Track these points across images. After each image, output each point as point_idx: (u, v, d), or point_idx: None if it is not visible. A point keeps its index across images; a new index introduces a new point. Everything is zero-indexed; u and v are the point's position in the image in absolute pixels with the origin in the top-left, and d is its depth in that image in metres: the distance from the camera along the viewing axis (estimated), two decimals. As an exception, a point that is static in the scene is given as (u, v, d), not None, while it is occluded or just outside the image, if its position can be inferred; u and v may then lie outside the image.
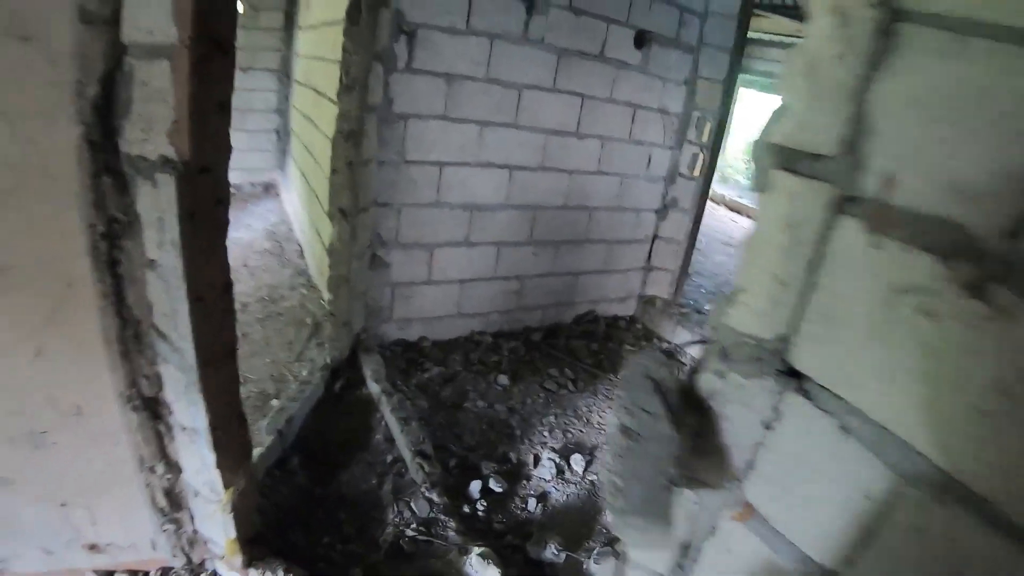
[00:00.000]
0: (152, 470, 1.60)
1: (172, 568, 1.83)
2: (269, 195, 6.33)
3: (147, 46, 1.17)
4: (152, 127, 1.24)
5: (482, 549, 1.94)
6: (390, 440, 2.50)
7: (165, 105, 1.21)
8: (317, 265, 3.90)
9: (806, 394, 0.77)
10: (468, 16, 2.79)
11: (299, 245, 4.73)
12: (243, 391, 2.08)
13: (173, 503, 1.68)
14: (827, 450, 0.75)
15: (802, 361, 0.76)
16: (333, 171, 2.68)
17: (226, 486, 1.51)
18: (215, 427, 1.40)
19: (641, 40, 3.44)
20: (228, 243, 1.47)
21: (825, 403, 0.75)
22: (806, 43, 0.70)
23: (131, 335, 1.41)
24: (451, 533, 2.05)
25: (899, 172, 0.64)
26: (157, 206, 1.27)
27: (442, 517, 2.11)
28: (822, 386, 0.75)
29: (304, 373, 2.88)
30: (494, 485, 2.38)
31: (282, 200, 6.06)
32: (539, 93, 3.17)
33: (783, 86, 0.72)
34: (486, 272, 3.52)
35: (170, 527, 1.73)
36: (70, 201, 1.30)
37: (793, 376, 0.78)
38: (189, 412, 1.43)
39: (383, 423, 2.58)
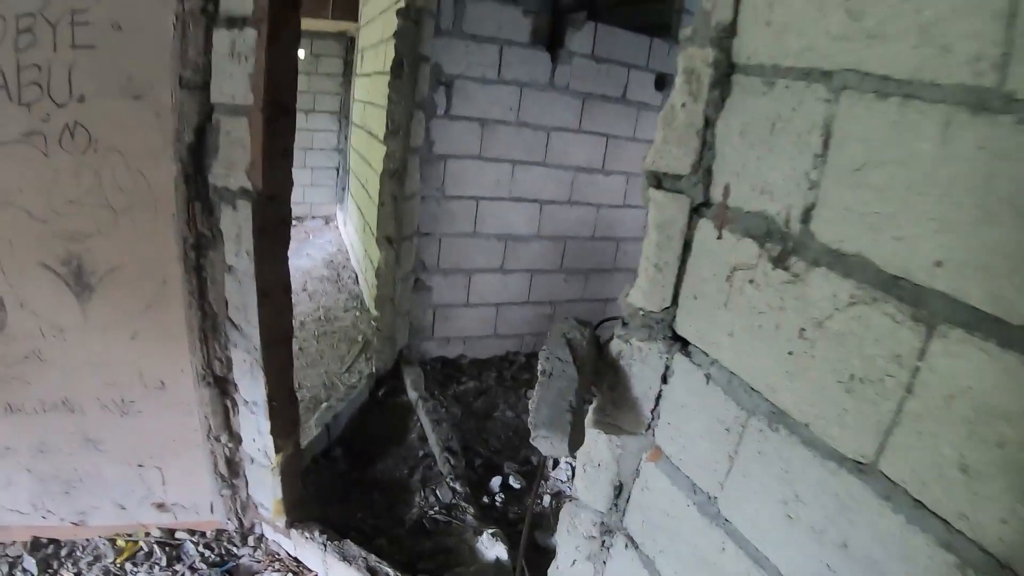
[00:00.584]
0: (217, 439, 1.95)
1: (225, 530, 2.17)
2: (329, 227, 6.85)
3: (230, 106, 1.56)
4: (233, 166, 1.62)
5: (494, 530, 2.19)
6: (423, 439, 2.79)
7: (243, 150, 1.59)
8: (369, 289, 4.30)
9: (687, 353, 1.02)
10: (499, 68, 3.16)
11: (354, 273, 5.16)
12: (297, 396, 2.43)
13: (232, 470, 2.02)
14: (699, 395, 1.00)
15: (682, 328, 1.02)
16: (380, 204, 3.06)
17: (277, 451, 1.84)
18: (271, 398, 1.75)
19: (662, 83, 3.73)
20: (290, 269, 1.85)
21: (697, 359, 1.00)
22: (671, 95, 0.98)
23: (209, 325, 1.78)
24: (469, 517, 2.32)
25: (732, 182, 0.91)
26: (236, 224, 1.65)
27: (463, 504, 2.38)
28: (696, 346, 1.01)
29: (352, 381, 3.23)
30: (513, 482, 2.63)
31: (340, 232, 6.55)
32: (566, 134, 3.50)
33: (657, 128, 1.00)
34: (520, 297, 3.82)
35: (227, 492, 2.07)
36: (168, 219, 1.70)
37: (679, 340, 1.04)
38: (251, 388, 1.78)
39: (418, 424, 2.89)
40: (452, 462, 2.54)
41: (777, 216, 0.85)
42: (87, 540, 2.15)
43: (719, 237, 0.93)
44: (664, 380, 1.07)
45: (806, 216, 0.81)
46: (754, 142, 0.88)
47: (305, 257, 5.45)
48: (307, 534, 2.01)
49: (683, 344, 1.03)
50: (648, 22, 3.68)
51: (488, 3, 3.00)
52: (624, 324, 1.10)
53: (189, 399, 1.90)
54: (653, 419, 1.11)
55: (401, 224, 3.08)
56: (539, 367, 1.04)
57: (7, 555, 2.08)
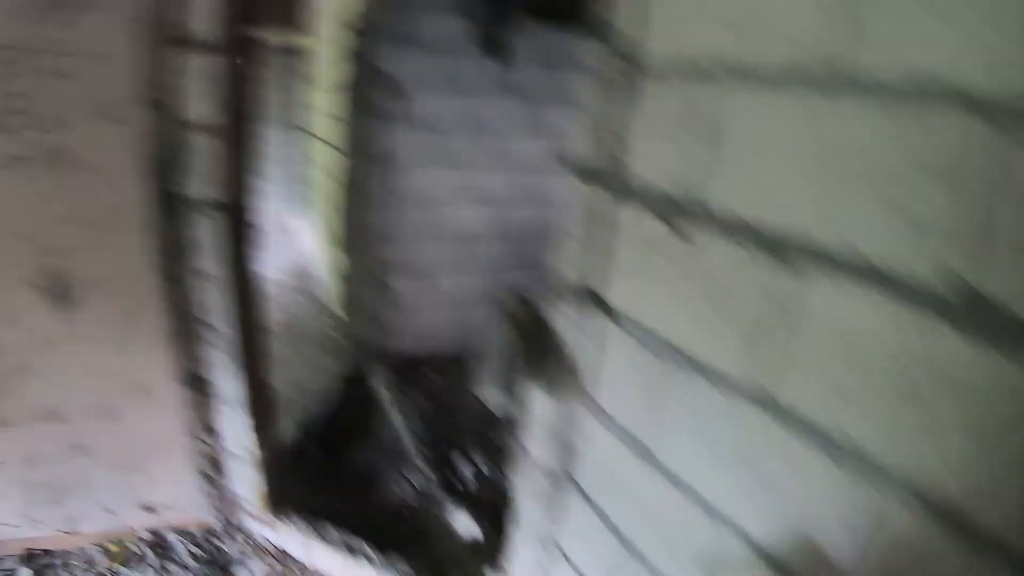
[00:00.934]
0: (200, 439, 2.05)
1: (212, 527, 2.26)
2: (290, 238, 6.90)
3: (199, 124, 1.68)
4: (205, 180, 1.75)
5: (465, 511, 2.33)
6: (394, 431, 2.92)
7: (214, 165, 1.72)
8: (336, 294, 4.38)
9: (617, 320, 1.18)
10: (452, 77, 3.31)
11: (320, 281, 5.24)
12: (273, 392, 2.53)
13: (215, 468, 2.13)
14: (628, 355, 1.15)
15: (612, 298, 1.18)
16: (342, 212, 3.18)
17: (257, 445, 1.95)
18: (250, 392, 1.86)
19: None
20: (258, 280, 1.98)
21: (624, 324, 1.16)
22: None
23: (188, 329, 1.89)
24: (442, 501, 2.45)
25: (644, 171, 1.07)
26: (209, 233, 1.77)
27: (436, 489, 2.51)
28: (623, 313, 1.16)
29: (323, 382, 3.33)
30: (482, 467, 2.77)
31: (303, 242, 6.61)
32: (519, 137, 3.66)
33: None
34: (481, 295, 3.96)
35: (211, 490, 2.17)
36: (146, 232, 1.80)
37: (609, 309, 1.19)
38: (231, 385, 1.89)
39: (388, 419, 3.01)
40: (424, 452, 2.67)
41: (679, 198, 1.01)
42: (80, 548, 2.22)
43: (637, 218, 1.09)
44: (598, 344, 1.23)
45: (702, 194, 0.97)
46: (656, 135, 1.04)
47: (272, 268, 5.51)
48: (289, 523, 2.12)
49: (613, 312, 1.19)
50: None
51: (439, 16, 3.15)
52: (562, 299, 1.25)
53: (172, 402, 2.00)
54: (592, 380, 1.26)
55: (363, 230, 3.19)
56: (488, 338, 1.19)
57: (2, 568, 2.14)
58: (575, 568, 1.43)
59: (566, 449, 1.38)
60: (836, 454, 0.76)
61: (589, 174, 1.16)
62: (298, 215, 7.26)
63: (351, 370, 3.39)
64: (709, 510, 0.99)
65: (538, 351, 1.26)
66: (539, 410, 1.37)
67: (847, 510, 0.77)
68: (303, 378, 3.47)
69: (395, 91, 3.19)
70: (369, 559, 2.01)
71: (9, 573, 2.12)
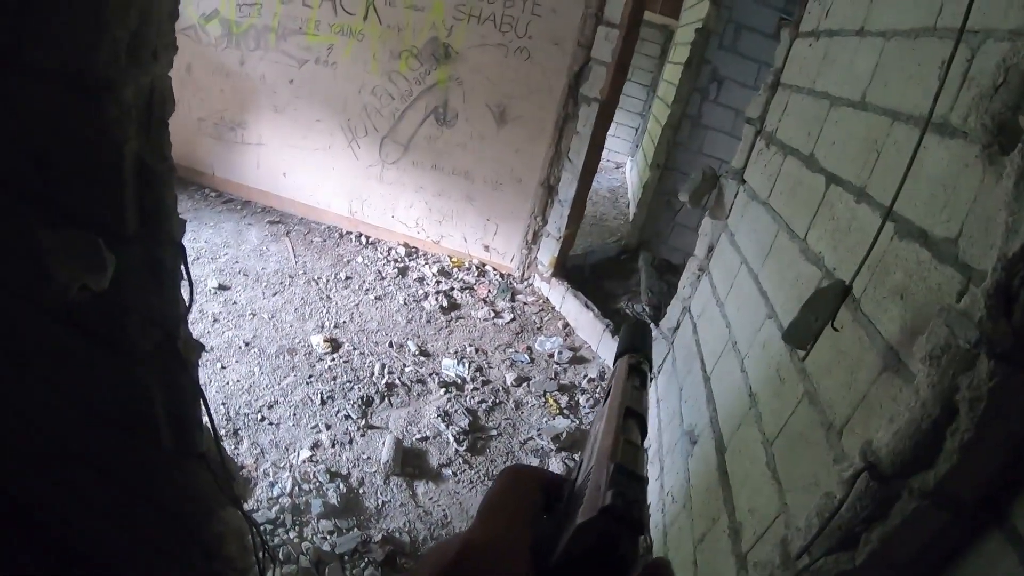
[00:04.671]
0: (535, 218, 4.12)
1: (512, 275, 4.35)
2: (618, 172, 9.12)
3: (599, 61, 3.68)
4: (592, 87, 3.73)
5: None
6: (638, 283, 4.73)
7: (600, 81, 3.68)
8: (636, 204, 6.24)
9: (747, 187, 2.82)
10: (756, 78, 4.85)
11: (628, 200, 7.26)
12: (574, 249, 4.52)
13: (534, 239, 4.19)
14: (750, 210, 2.80)
15: (747, 176, 2.82)
16: (658, 143, 5.02)
17: (567, 228, 3.94)
18: (575, 200, 3.85)
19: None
20: (602, 145, 3.93)
21: (750, 192, 2.79)
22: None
23: (556, 157, 3.93)
24: (648, 319, 4.21)
25: (776, 129, 2.70)
26: (587, 113, 3.77)
27: (648, 312, 4.28)
28: (750, 184, 2.80)
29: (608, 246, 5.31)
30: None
31: (626, 176, 8.76)
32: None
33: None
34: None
35: (525, 252, 4.25)
36: (554, 102, 3.89)
37: (744, 181, 2.83)
38: (566, 192, 3.90)
39: (638, 277, 4.83)
40: (648, 295, 4.45)
41: (802, 148, 2.64)
42: (436, 254, 4.47)
43: (769, 152, 2.73)
44: (735, 195, 2.88)
45: (812, 153, 2.60)
46: (787, 114, 2.67)
47: (596, 183, 7.79)
48: (558, 283, 4.10)
49: (745, 183, 2.84)
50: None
51: (756, 35, 4.72)
52: (726, 172, 2.93)
53: (531, 192, 4.10)
54: (729, 213, 2.92)
55: (668, 158, 5.01)
56: (692, 176, 2.92)
57: (391, 247, 4.47)
58: (691, 314, 3.12)
59: (710, 250, 3.07)
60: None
61: (751, 122, 2.83)
62: (628, 157, 9.45)
63: (627, 245, 5.31)
64: (764, 295, 2.60)
65: (711, 191, 2.96)
66: (703, 226, 3.07)
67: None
68: (596, 241, 5.50)
69: (714, 77, 4.89)
70: (595, 313, 3.88)
71: (392, 250, 4.42)
